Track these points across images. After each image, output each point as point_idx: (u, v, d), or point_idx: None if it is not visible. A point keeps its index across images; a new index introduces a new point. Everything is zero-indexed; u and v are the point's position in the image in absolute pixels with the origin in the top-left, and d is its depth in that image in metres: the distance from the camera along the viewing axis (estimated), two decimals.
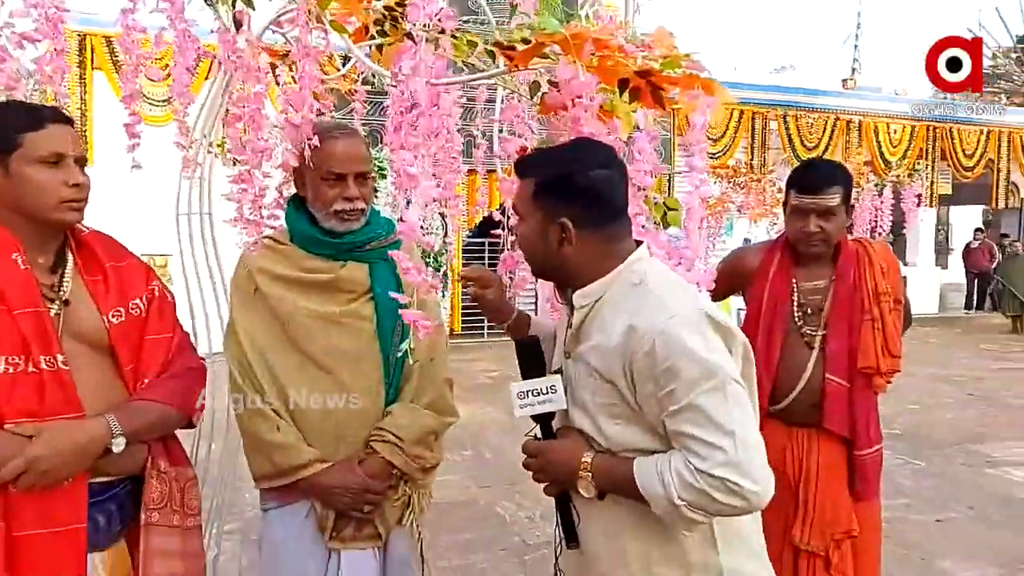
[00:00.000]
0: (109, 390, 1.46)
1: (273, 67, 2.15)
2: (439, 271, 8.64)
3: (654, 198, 1.68)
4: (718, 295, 2.31)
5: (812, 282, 2.17)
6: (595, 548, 1.32)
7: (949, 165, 12.98)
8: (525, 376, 1.38)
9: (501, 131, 1.99)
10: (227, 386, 1.78)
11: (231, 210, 1.80)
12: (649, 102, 1.52)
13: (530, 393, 1.35)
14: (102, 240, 1.58)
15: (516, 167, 1.39)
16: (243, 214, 1.77)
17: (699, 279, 1.52)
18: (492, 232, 1.97)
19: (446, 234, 7.65)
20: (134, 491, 1.49)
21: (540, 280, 1.51)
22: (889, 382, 2.18)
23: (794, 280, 2.17)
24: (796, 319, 2.15)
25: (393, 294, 1.42)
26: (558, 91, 1.48)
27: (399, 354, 1.45)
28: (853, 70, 14.83)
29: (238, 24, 1.72)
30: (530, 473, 1.38)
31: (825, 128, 11.83)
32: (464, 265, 9.69)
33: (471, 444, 5.23)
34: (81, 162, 1.47)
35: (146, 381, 1.50)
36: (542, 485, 1.38)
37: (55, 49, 1.96)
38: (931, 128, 12.73)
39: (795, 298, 2.16)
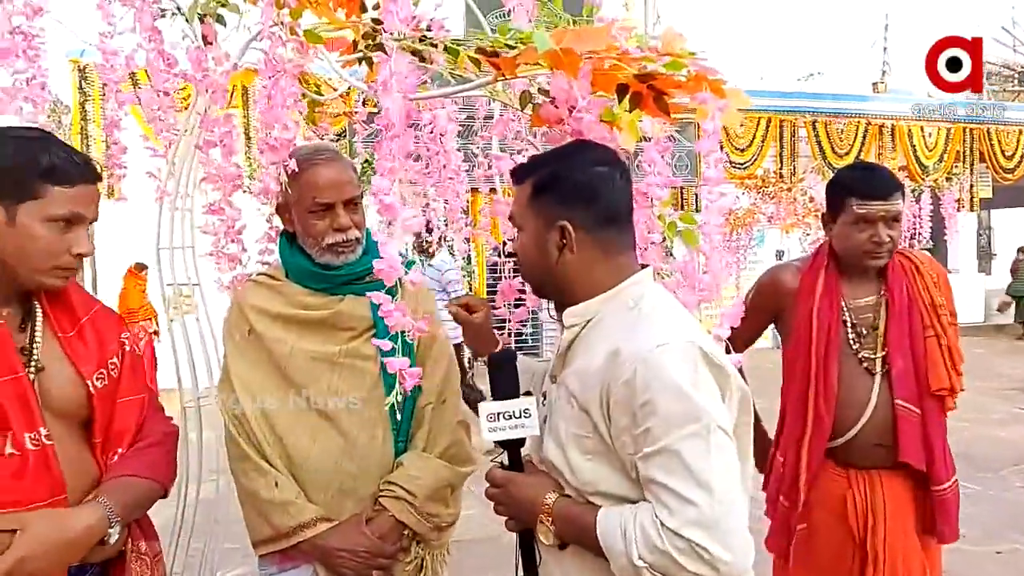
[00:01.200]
0: (85, 466, 1.29)
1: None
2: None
3: (667, 214, 1.50)
4: (755, 328, 2.05)
5: (862, 299, 1.95)
6: None
7: (988, 168, 12.52)
8: (497, 396, 1.24)
9: (491, 148, 1.83)
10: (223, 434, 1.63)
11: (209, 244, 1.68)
12: (652, 109, 1.34)
13: (501, 416, 1.22)
14: (74, 287, 1.38)
15: (512, 173, 1.28)
16: (219, 247, 1.63)
17: (724, 312, 1.33)
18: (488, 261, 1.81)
19: (469, 260, 7.53)
20: (104, 571, 1.32)
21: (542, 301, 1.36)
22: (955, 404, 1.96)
23: (842, 298, 1.96)
24: (851, 342, 1.92)
25: (376, 341, 1.26)
26: (552, 102, 1.32)
27: (386, 405, 1.31)
28: (883, 73, 14.44)
29: (207, 40, 1.59)
30: None
31: (856, 133, 11.45)
32: (488, 286, 9.55)
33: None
34: (91, 224, 1.31)
35: (119, 451, 1.33)
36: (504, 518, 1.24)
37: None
38: (968, 130, 12.29)
39: (846, 318, 1.93)
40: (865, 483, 1.90)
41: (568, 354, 1.22)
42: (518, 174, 1.27)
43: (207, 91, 1.50)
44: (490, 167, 2.03)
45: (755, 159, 11.18)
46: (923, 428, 1.88)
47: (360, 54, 1.78)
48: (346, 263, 1.58)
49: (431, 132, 2.06)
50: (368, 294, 1.26)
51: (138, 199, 2.07)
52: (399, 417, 1.57)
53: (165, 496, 1.44)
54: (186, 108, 1.90)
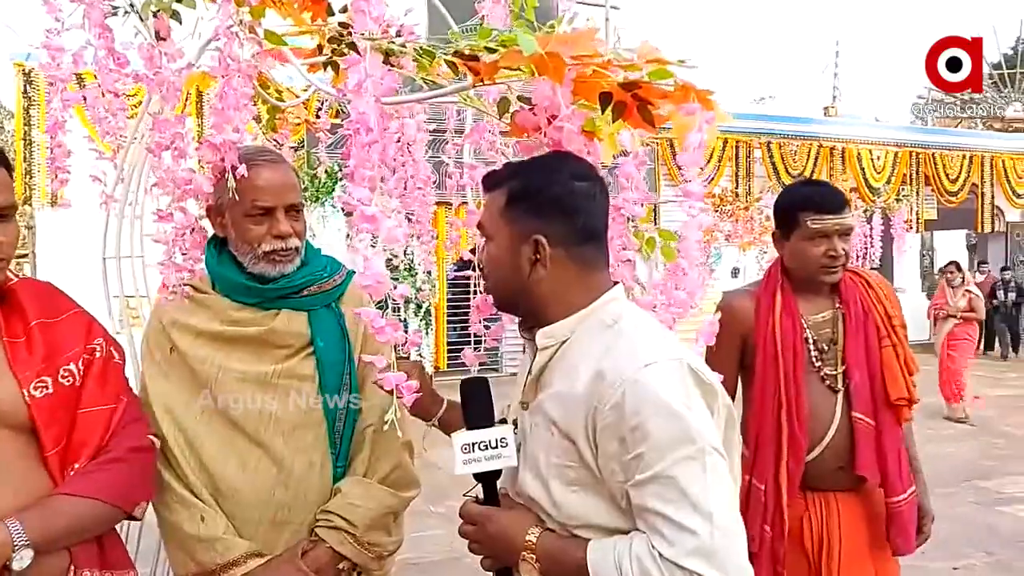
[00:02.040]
0: (33, 481, 1.18)
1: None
2: (420, 311, 8.37)
3: (644, 229, 1.45)
4: (729, 359, 1.94)
5: (818, 315, 1.93)
6: None
7: (933, 191, 12.98)
8: (471, 424, 1.15)
9: (462, 159, 1.76)
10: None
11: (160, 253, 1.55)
12: (636, 120, 1.29)
13: (476, 446, 1.13)
14: (34, 290, 1.30)
15: (484, 180, 1.20)
16: (170, 256, 1.52)
17: (700, 330, 1.28)
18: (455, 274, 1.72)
19: (430, 273, 7.41)
20: None
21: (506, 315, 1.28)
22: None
23: (800, 315, 1.93)
24: (813, 360, 1.89)
25: (368, 357, 1.15)
26: (531, 109, 1.25)
27: (386, 423, 1.19)
28: (834, 97, 14.89)
29: (160, 36, 1.48)
30: None
31: (809, 155, 11.79)
32: (449, 300, 9.43)
33: (454, 493, 4.89)
34: (9, 211, 1.21)
35: (76, 466, 1.22)
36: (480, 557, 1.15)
37: None
38: (914, 154, 12.75)
39: (807, 335, 1.91)
40: (822, 505, 1.87)
41: (542, 378, 1.14)
42: (491, 181, 1.19)
43: (160, 89, 1.39)
44: (462, 177, 1.95)
45: (711, 178, 11.41)
46: (878, 440, 1.86)
47: (324, 57, 1.70)
48: (282, 274, 1.46)
49: (398, 141, 1.98)
50: (356, 311, 1.15)
51: (84, 205, 1.93)
52: (339, 441, 1.47)
53: (132, 519, 1.32)
54: (137, 115, 1.79)
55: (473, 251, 1.69)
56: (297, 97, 2.54)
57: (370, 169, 1.09)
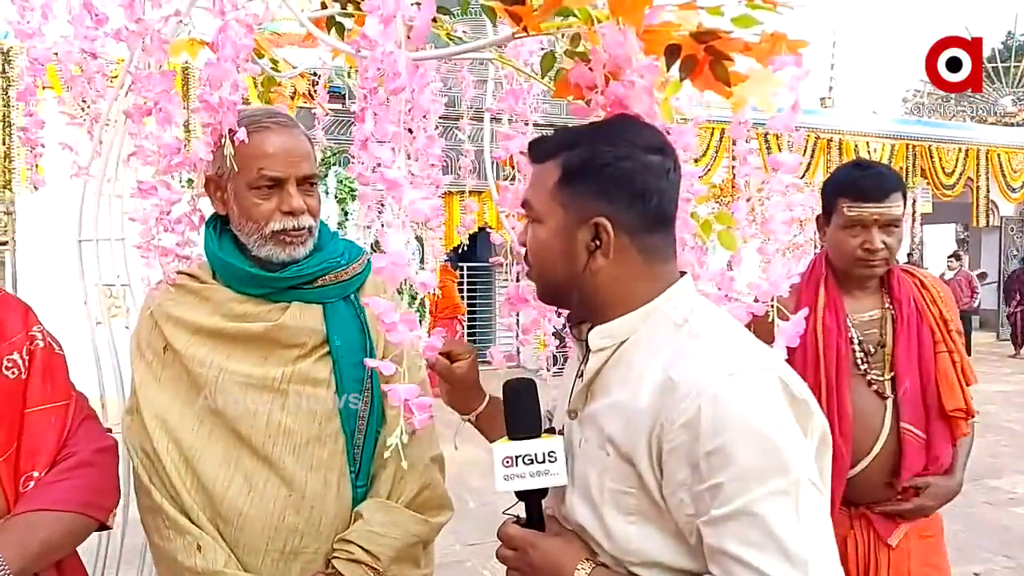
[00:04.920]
0: None
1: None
2: (414, 303, 8.15)
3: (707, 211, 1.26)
4: None
5: (865, 313, 1.75)
6: None
7: (929, 184, 12.90)
8: (514, 434, 0.98)
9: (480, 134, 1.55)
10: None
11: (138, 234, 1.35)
12: (707, 79, 1.10)
13: (520, 459, 0.96)
14: None
15: (531, 149, 1.00)
16: (150, 238, 1.31)
17: (785, 332, 1.09)
18: (491, 259, 1.51)
19: (422, 260, 7.17)
20: None
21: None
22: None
23: (845, 313, 1.74)
24: (858, 362, 1.71)
25: (372, 362, 0.94)
26: (586, 64, 1.05)
27: (389, 446, 0.99)
28: (830, 88, 14.73)
29: None
30: None
31: (806, 147, 11.65)
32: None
33: (453, 491, 4.71)
34: None
35: (35, 475, 1.06)
36: None
37: None
38: (911, 146, 12.66)
39: (852, 335, 1.72)
40: (869, 524, 1.70)
41: (595, 384, 0.96)
42: (540, 151, 0.99)
43: (142, 40, 1.18)
44: (477, 161, 1.75)
45: (708, 169, 11.26)
46: (928, 455, 1.69)
47: (330, 11, 1.50)
48: (292, 259, 1.26)
49: (409, 112, 1.77)
50: (364, 300, 0.95)
51: (66, 188, 1.72)
52: (358, 456, 1.27)
53: (103, 528, 1.16)
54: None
55: (472, 238, 1.50)
56: (294, 68, 2.34)
57: (395, 124, 0.90)
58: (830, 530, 0.85)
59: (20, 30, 1.50)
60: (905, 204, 1.74)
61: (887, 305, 1.75)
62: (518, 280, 1.32)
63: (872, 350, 1.72)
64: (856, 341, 1.72)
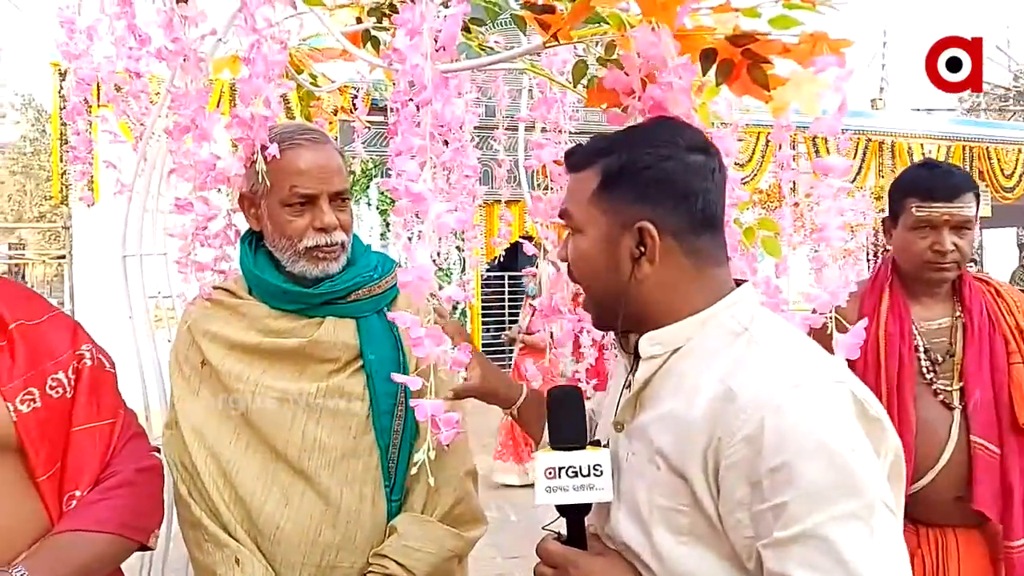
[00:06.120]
0: (24, 511, 1.03)
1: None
2: (454, 313, 8.17)
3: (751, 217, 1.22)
4: None
5: (933, 321, 1.67)
6: None
7: (987, 186, 12.43)
8: (557, 444, 0.93)
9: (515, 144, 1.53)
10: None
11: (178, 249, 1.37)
12: (745, 83, 1.06)
13: (564, 471, 0.91)
14: (7, 290, 1.13)
15: (568, 158, 0.97)
16: (189, 253, 1.33)
17: (843, 345, 1.04)
18: (523, 271, 1.49)
19: (463, 270, 7.18)
20: None
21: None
22: None
23: (912, 320, 1.67)
24: (924, 371, 1.63)
25: (400, 378, 0.95)
26: (622, 70, 1.03)
27: (415, 464, 0.98)
28: (881, 89, 14.33)
29: None
30: None
31: (856, 150, 11.34)
32: (482, 302, 9.24)
33: (494, 503, 4.70)
34: None
35: (77, 495, 1.06)
36: None
37: None
38: (967, 148, 12.22)
39: (918, 343, 1.64)
40: (937, 543, 1.61)
41: (645, 394, 0.92)
42: (577, 159, 0.96)
43: (180, 59, 1.20)
44: (514, 168, 1.73)
45: (755, 174, 11.04)
46: (1003, 471, 1.59)
47: (364, 26, 1.51)
48: (326, 274, 1.27)
49: (439, 124, 1.77)
50: (389, 315, 0.94)
51: (120, 203, 1.76)
52: (393, 470, 1.26)
53: (145, 549, 1.15)
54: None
55: (512, 248, 1.47)
56: (332, 82, 2.36)
57: (421, 137, 0.88)
58: (906, 559, 0.80)
59: (67, 51, 1.55)
60: (978, 205, 1.66)
61: (958, 313, 1.67)
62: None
63: (940, 359, 1.64)
64: (922, 349, 1.65)
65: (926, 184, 1.63)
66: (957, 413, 1.60)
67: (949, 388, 1.62)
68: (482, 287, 9.71)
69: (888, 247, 1.78)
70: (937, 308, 1.68)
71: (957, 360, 1.63)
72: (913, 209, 1.62)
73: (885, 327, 1.64)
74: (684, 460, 0.84)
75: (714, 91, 1.16)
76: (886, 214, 1.76)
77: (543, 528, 0.97)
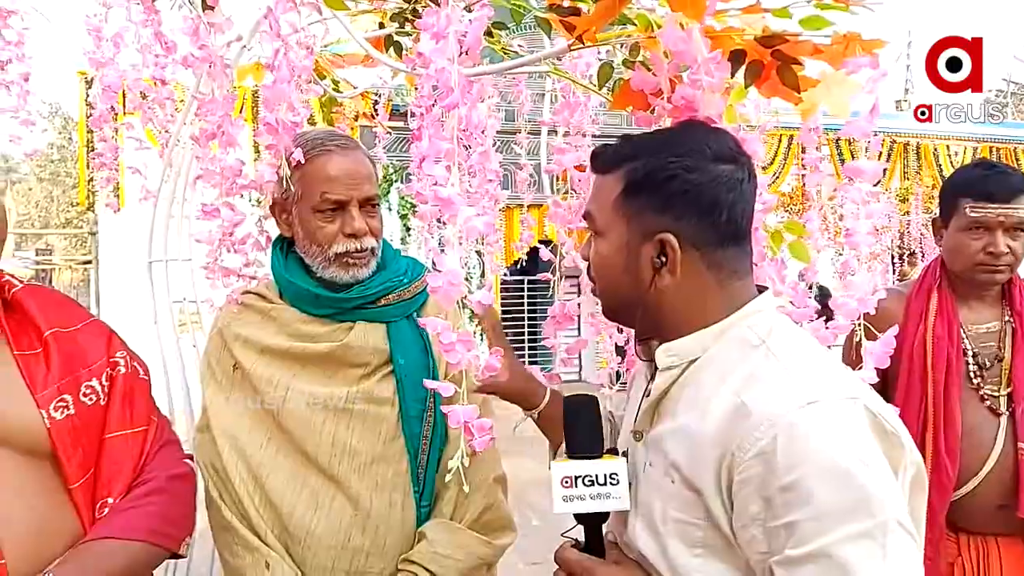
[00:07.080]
0: (58, 518, 1.03)
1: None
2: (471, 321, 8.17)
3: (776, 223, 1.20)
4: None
5: (982, 325, 1.63)
6: None
7: None
8: (574, 452, 0.93)
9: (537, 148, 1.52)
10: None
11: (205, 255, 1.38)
12: (775, 85, 1.04)
13: (580, 480, 0.91)
14: (44, 296, 1.14)
15: (594, 158, 0.95)
16: (216, 259, 1.34)
17: (874, 353, 1.01)
18: (540, 276, 1.48)
19: (483, 274, 7.19)
20: None
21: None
22: None
23: (960, 323, 1.64)
24: (971, 375, 1.60)
25: (432, 384, 0.94)
26: (649, 70, 1.01)
27: (450, 471, 0.95)
28: (906, 91, 14.13)
29: (207, 5, 1.30)
30: None
31: (882, 152, 11.20)
32: (502, 307, 9.21)
33: (515, 508, 4.66)
34: None
35: (110, 502, 1.06)
36: None
37: None
38: (995, 149, 12.01)
39: (966, 346, 1.61)
40: (979, 552, 1.57)
41: (662, 405, 0.91)
42: (602, 161, 0.95)
43: (206, 66, 1.21)
44: (537, 173, 1.72)
45: (777, 176, 10.95)
46: None
47: (387, 30, 1.51)
48: (356, 279, 1.28)
49: (464, 128, 1.77)
50: (421, 321, 0.94)
51: (146, 209, 1.78)
52: (422, 476, 1.26)
53: (176, 557, 1.15)
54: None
55: (531, 253, 1.46)
56: (355, 88, 2.37)
57: (448, 141, 0.88)
58: (921, 575, 0.77)
59: (94, 59, 1.56)
60: None
61: (1007, 317, 1.64)
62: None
63: (988, 364, 1.61)
64: (970, 353, 1.62)
65: (981, 184, 1.60)
66: (1004, 419, 1.57)
67: (996, 394, 1.59)
68: (501, 291, 9.70)
69: (913, 249, 1.75)
70: (986, 312, 1.65)
71: (1005, 365, 1.59)
72: (967, 210, 1.59)
73: (933, 330, 1.61)
74: (698, 475, 0.83)
75: (742, 93, 1.14)
76: (936, 215, 1.72)
77: (562, 535, 0.97)
